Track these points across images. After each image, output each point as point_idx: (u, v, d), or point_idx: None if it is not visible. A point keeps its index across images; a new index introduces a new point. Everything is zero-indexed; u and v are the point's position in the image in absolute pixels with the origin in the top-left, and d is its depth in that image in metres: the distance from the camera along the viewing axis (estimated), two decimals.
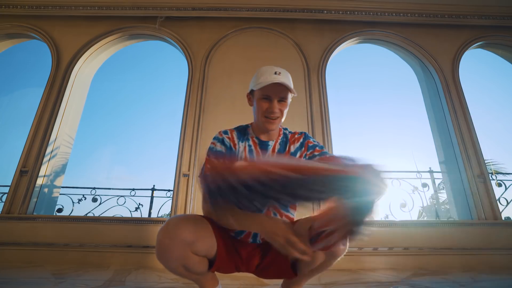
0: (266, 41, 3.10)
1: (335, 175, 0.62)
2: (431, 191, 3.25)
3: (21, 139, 2.60)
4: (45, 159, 2.57)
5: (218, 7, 3.10)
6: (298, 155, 1.07)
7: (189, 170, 2.49)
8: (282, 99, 1.02)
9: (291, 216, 1.07)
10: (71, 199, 2.87)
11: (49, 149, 2.61)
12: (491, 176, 2.65)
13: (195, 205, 2.38)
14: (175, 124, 2.99)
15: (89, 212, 2.72)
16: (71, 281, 1.58)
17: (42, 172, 2.53)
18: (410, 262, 2.18)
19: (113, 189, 2.91)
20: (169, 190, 3.17)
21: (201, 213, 1.00)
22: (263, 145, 1.07)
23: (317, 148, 1.08)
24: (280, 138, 1.11)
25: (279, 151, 1.07)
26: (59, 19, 3.12)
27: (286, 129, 1.17)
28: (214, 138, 1.06)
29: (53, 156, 2.67)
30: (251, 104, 1.10)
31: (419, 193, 2.87)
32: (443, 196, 3.64)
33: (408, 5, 3.15)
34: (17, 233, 2.24)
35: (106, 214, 2.69)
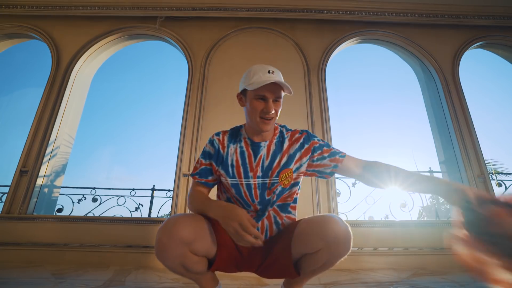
0: (266, 41, 3.10)
1: None
2: None
3: (21, 139, 2.60)
4: (45, 159, 2.57)
5: (218, 7, 3.10)
6: (297, 157, 1.03)
7: (189, 170, 2.49)
8: (277, 99, 0.99)
9: (293, 216, 1.07)
10: (71, 199, 2.87)
11: (49, 149, 2.62)
12: (491, 176, 2.65)
13: None
14: (175, 124, 3.00)
15: (89, 212, 2.72)
16: (71, 281, 1.58)
17: (42, 172, 2.53)
18: (410, 262, 2.18)
19: (113, 189, 2.91)
20: (169, 190, 3.17)
21: None
22: (255, 146, 1.04)
23: (324, 148, 1.05)
24: (275, 138, 1.06)
25: (274, 152, 1.03)
26: (59, 19, 3.12)
27: (283, 126, 1.12)
28: (209, 140, 1.10)
29: (53, 156, 2.67)
30: (242, 105, 1.05)
31: (419, 193, 2.86)
32: None
33: (408, 5, 3.15)
34: (17, 233, 2.24)
35: (106, 214, 2.69)
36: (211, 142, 1.07)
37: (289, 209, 1.06)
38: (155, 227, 2.30)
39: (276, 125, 1.10)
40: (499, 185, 2.74)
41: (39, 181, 2.50)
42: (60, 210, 2.71)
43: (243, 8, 3.11)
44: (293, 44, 3.09)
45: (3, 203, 2.40)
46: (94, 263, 2.14)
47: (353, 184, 2.76)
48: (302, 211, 2.00)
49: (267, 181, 1.00)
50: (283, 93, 1.01)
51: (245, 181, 1.00)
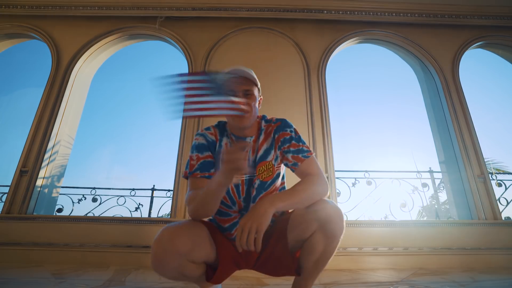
0: (266, 41, 3.10)
1: None
2: (431, 191, 3.25)
3: (21, 139, 2.60)
4: (45, 159, 2.57)
5: (218, 7, 3.10)
6: (273, 148, 1.02)
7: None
8: (248, 92, 1.00)
9: None
10: (71, 199, 2.87)
11: (49, 149, 2.61)
12: (491, 176, 2.65)
13: None
14: (175, 124, 2.99)
15: (89, 212, 2.73)
16: (71, 281, 1.58)
17: (42, 172, 2.53)
18: (410, 262, 2.18)
19: (113, 189, 2.91)
20: (169, 190, 3.17)
21: None
22: (240, 142, 1.03)
23: (293, 142, 1.01)
24: (258, 132, 1.06)
25: (257, 147, 1.03)
26: (59, 19, 3.12)
27: (263, 118, 1.10)
28: (196, 134, 1.08)
29: (53, 156, 2.67)
30: None
31: (419, 193, 2.87)
32: (443, 196, 3.64)
33: (408, 5, 3.15)
34: (17, 233, 2.24)
35: (106, 214, 2.69)
36: (202, 135, 1.05)
37: None
38: (155, 227, 2.30)
39: (258, 119, 1.09)
40: (499, 185, 2.74)
41: (39, 181, 2.50)
42: (60, 210, 2.71)
43: (243, 8, 3.11)
44: (293, 44, 3.09)
45: (3, 203, 2.40)
46: (94, 263, 2.13)
47: (353, 184, 2.76)
48: None
49: (253, 177, 1.01)
50: (256, 88, 1.03)
51: (244, 174, 1.01)
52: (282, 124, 1.06)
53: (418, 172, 2.91)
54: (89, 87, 3.23)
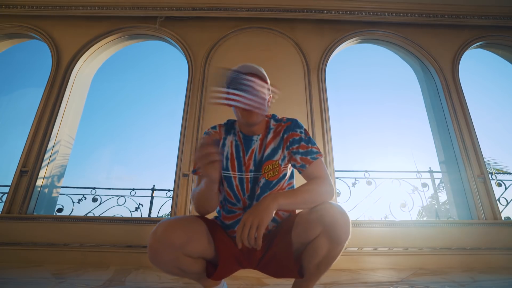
0: (266, 41, 3.10)
1: None
2: (431, 191, 3.26)
3: (21, 139, 2.60)
4: (45, 159, 2.57)
5: (218, 7, 3.10)
6: (281, 147, 1.02)
7: (189, 170, 2.50)
8: None
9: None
10: (71, 199, 2.87)
11: (49, 149, 2.61)
12: (491, 176, 2.65)
13: None
14: (175, 124, 3.00)
15: (89, 212, 2.73)
16: (71, 281, 1.58)
17: (42, 172, 2.53)
18: (410, 262, 2.19)
19: (113, 189, 2.92)
20: (169, 190, 3.17)
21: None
22: (247, 140, 1.05)
23: (303, 143, 1.00)
24: (267, 130, 1.06)
25: (264, 146, 1.03)
26: (59, 19, 3.12)
27: (273, 117, 1.10)
28: (204, 133, 1.11)
29: (53, 156, 2.67)
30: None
31: (419, 193, 2.87)
32: (443, 196, 3.64)
33: (408, 5, 3.15)
34: (17, 233, 2.24)
35: (106, 214, 2.69)
36: (208, 134, 1.09)
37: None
38: (153, 227, 2.30)
39: (266, 118, 1.10)
40: (499, 185, 2.74)
41: (39, 181, 2.50)
42: (60, 210, 2.71)
43: (243, 8, 3.11)
44: (293, 44, 3.09)
45: (3, 203, 2.40)
46: (94, 263, 2.14)
47: (353, 184, 2.77)
48: None
49: (259, 175, 1.01)
50: (266, 86, 1.03)
51: (238, 174, 1.01)
52: (293, 124, 1.05)
53: (418, 172, 2.91)
54: (89, 87, 3.23)
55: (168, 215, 3.10)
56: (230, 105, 0.97)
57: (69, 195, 2.88)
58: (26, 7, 3.07)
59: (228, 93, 0.97)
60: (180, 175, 2.48)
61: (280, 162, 1.01)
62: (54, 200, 2.72)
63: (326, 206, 0.86)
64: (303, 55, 3.03)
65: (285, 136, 1.03)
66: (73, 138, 2.96)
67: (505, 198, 2.69)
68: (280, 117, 1.11)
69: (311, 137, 1.05)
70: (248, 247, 0.83)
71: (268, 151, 1.02)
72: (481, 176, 2.56)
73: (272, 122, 1.08)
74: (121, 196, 2.85)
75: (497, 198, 2.54)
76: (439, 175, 3.10)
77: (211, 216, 1.08)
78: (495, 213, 2.42)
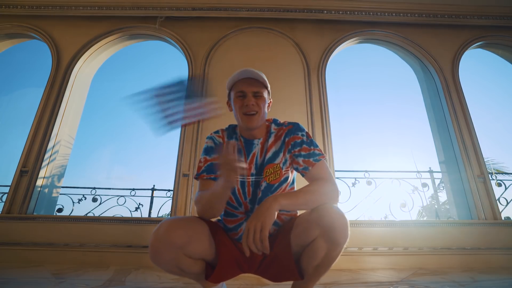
0: (266, 41, 3.10)
1: None
2: (431, 191, 3.26)
3: (21, 139, 2.60)
4: (45, 159, 2.57)
5: (218, 7, 3.10)
6: (282, 151, 1.03)
7: (189, 170, 2.50)
8: (257, 94, 1.02)
9: (292, 212, 1.06)
10: (71, 199, 2.87)
11: (49, 149, 2.61)
12: (491, 176, 2.65)
13: None
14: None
15: (89, 212, 2.73)
16: (71, 281, 1.58)
17: (42, 172, 2.53)
18: (410, 262, 2.19)
19: (113, 189, 2.92)
20: (169, 190, 3.17)
21: None
22: (248, 144, 1.06)
23: (305, 146, 1.00)
24: (268, 134, 1.07)
25: (266, 149, 1.04)
26: (59, 19, 3.12)
27: (274, 121, 1.11)
28: (207, 138, 1.12)
29: (53, 156, 2.67)
30: (230, 110, 1.10)
31: (419, 193, 2.87)
32: (443, 196, 3.64)
33: (408, 5, 3.15)
34: (17, 233, 2.24)
35: (106, 214, 2.69)
36: (211, 138, 1.10)
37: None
38: (155, 227, 2.30)
39: (267, 123, 1.11)
40: (499, 184, 2.74)
41: (39, 181, 2.50)
42: (60, 210, 2.71)
43: (243, 8, 3.11)
44: (293, 44, 3.09)
45: (3, 203, 2.40)
46: (94, 263, 2.14)
47: (353, 184, 2.77)
48: None
49: (260, 179, 1.01)
50: (266, 91, 1.05)
51: (240, 178, 1.01)
52: (294, 128, 1.05)
53: (418, 172, 2.91)
54: (89, 87, 3.23)
55: (168, 215, 3.10)
56: (234, 112, 1.03)
57: (69, 195, 2.88)
58: (26, 7, 3.07)
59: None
60: (180, 175, 2.48)
61: (281, 165, 1.02)
62: (54, 200, 2.72)
63: (325, 208, 0.86)
64: (303, 55, 3.03)
65: (287, 139, 1.04)
66: (73, 138, 2.96)
67: (505, 198, 2.69)
68: (281, 122, 1.12)
69: (313, 139, 1.04)
70: (256, 253, 0.82)
71: (269, 154, 1.03)
72: (481, 176, 2.56)
73: (273, 126, 1.09)
74: (121, 196, 2.85)
75: (497, 198, 2.54)
76: (439, 175, 3.11)
77: None
78: (495, 213, 2.42)
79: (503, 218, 2.44)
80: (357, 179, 2.79)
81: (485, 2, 3.14)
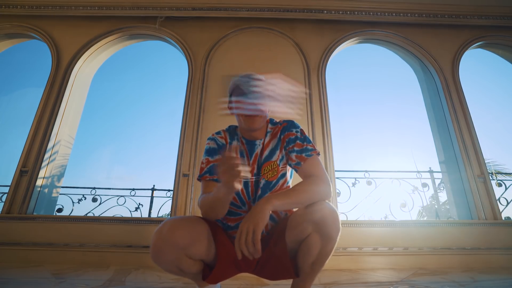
0: (266, 41, 3.10)
1: None
2: (431, 191, 3.25)
3: (21, 139, 2.60)
4: (45, 159, 2.57)
5: (218, 7, 3.10)
6: (278, 148, 1.05)
7: (189, 170, 2.49)
8: None
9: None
10: (71, 199, 2.87)
11: (49, 149, 2.61)
12: (491, 176, 2.65)
13: (195, 205, 2.38)
14: (175, 124, 3.00)
15: (89, 212, 2.73)
16: (71, 281, 1.58)
17: (42, 172, 2.53)
18: (410, 262, 2.18)
19: (113, 189, 2.92)
20: (169, 190, 3.18)
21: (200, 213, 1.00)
22: (250, 145, 1.07)
23: (298, 142, 1.03)
24: (266, 135, 1.09)
25: (263, 148, 1.06)
26: (59, 19, 3.12)
27: (270, 121, 1.13)
28: (208, 139, 1.11)
29: (53, 156, 2.67)
30: (232, 113, 1.10)
31: (419, 193, 2.87)
32: (443, 196, 3.64)
33: (408, 5, 3.15)
34: (17, 233, 2.24)
35: (106, 214, 2.69)
36: (213, 139, 1.10)
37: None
38: (155, 227, 2.29)
39: (267, 123, 1.13)
40: (499, 185, 2.74)
41: (39, 181, 2.50)
42: (60, 210, 2.71)
43: (243, 8, 3.11)
44: (293, 44, 3.09)
45: (3, 203, 2.40)
46: (94, 263, 2.14)
47: (353, 184, 2.76)
48: None
49: (260, 177, 1.02)
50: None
51: (243, 178, 1.02)
52: (289, 125, 1.08)
53: (418, 172, 2.91)
54: (89, 87, 3.23)
55: (168, 215, 3.10)
56: (236, 114, 1.03)
57: (69, 195, 2.88)
58: (26, 7, 3.07)
59: (232, 101, 1.03)
60: (180, 175, 2.48)
61: (278, 162, 1.04)
62: (54, 200, 2.72)
63: (316, 205, 0.89)
64: (303, 55, 3.03)
65: (282, 136, 1.06)
66: (73, 138, 2.96)
67: (505, 198, 2.69)
68: (277, 120, 1.14)
69: (307, 136, 1.07)
70: (247, 255, 0.82)
71: (266, 152, 1.05)
72: (481, 176, 2.56)
73: (270, 125, 1.11)
74: (121, 196, 2.85)
75: (497, 198, 2.54)
76: (439, 175, 3.10)
77: None
78: (495, 213, 2.42)
79: (503, 218, 2.43)
80: (357, 179, 2.79)
81: (485, 2, 3.14)
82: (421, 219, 3.86)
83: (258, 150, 1.06)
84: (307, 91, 2.86)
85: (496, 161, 3.51)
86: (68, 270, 1.89)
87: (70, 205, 2.84)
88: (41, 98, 2.76)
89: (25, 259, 2.13)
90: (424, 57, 3.12)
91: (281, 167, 1.04)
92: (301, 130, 1.07)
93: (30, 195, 2.41)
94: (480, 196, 2.49)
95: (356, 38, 3.20)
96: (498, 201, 2.52)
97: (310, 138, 2.62)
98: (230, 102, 1.10)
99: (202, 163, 1.06)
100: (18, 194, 2.40)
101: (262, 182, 1.02)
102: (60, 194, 2.80)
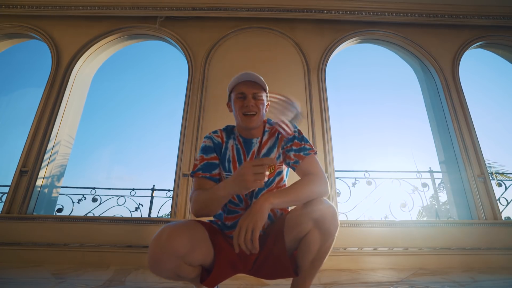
0: (266, 41, 3.10)
1: None
2: (431, 191, 3.25)
3: (21, 139, 2.60)
4: (45, 159, 2.57)
5: (218, 7, 3.10)
6: (276, 147, 1.07)
7: (189, 170, 2.49)
8: (257, 96, 1.05)
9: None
10: (71, 199, 2.87)
11: (49, 149, 2.61)
12: (491, 176, 2.65)
13: None
14: (175, 124, 3.00)
15: (89, 212, 2.72)
16: (71, 281, 1.58)
17: (42, 172, 2.53)
18: (410, 262, 2.18)
19: (113, 189, 2.91)
20: (169, 190, 3.17)
21: None
22: (247, 143, 1.09)
23: (296, 141, 1.05)
24: (264, 133, 1.11)
25: (260, 146, 1.08)
26: (59, 19, 3.12)
27: (268, 121, 1.15)
28: (205, 137, 1.13)
29: (53, 156, 2.67)
30: (231, 110, 1.14)
31: (419, 193, 2.87)
32: (443, 196, 3.64)
33: (408, 5, 3.15)
34: (17, 233, 2.24)
35: (106, 214, 2.69)
36: (210, 138, 1.11)
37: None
38: (155, 227, 2.30)
39: (264, 123, 1.15)
40: (499, 185, 2.74)
41: (39, 181, 2.50)
42: (60, 210, 2.71)
43: (243, 8, 3.11)
44: (293, 44, 3.09)
45: (3, 203, 2.40)
46: (94, 263, 2.13)
47: (353, 184, 2.76)
48: None
49: None
50: (264, 94, 1.08)
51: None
52: None
53: (418, 172, 2.91)
54: (89, 87, 3.23)
55: (168, 215, 3.10)
56: (234, 112, 1.08)
57: (69, 195, 2.88)
58: (26, 7, 3.07)
59: (232, 98, 1.08)
60: (180, 175, 2.48)
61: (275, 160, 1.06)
62: (54, 200, 2.72)
63: (315, 203, 0.90)
64: (303, 55, 3.03)
65: (280, 135, 1.07)
66: (73, 138, 2.96)
67: (505, 198, 2.69)
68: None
69: (305, 136, 1.09)
70: (245, 252, 0.82)
71: (264, 150, 1.07)
72: (481, 176, 2.56)
73: (267, 125, 1.13)
74: (121, 196, 2.85)
75: (497, 198, 2.54)
76: (439, 175, 3.10)
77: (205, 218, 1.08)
78: (495, 213, 2.42)
79: (503, 218, 2.43)
80: (357, 179, 2.79)
81: (485, 2, 3.14)
82: (421, 219, 3.86)
83: (255, 148, 1.08)
84: (307, 91, 2.86)
85: (496, 162, 3.50)
86: (68, 270, 1.89)
87: (70, 205, 2.84)
88: (41, 98, 2.76)
89: (25, 259, 2.13)
90: (424, 57, 3.12)
91: (278, 165, 1.06)
92: (299, 130, 1.09)
93: (30, 195, 2.41)
94: (480, 196, 2.49)
95: (356, 38, 3.20)
96: (498, 201, 2.52)
97: (310, 138, 2.63)
98: (230, 99, 1.12)
99: (196, 160, 1.08)
100: (18, 194, 2.40)
101: None
102: (60, 194, 2.80)
